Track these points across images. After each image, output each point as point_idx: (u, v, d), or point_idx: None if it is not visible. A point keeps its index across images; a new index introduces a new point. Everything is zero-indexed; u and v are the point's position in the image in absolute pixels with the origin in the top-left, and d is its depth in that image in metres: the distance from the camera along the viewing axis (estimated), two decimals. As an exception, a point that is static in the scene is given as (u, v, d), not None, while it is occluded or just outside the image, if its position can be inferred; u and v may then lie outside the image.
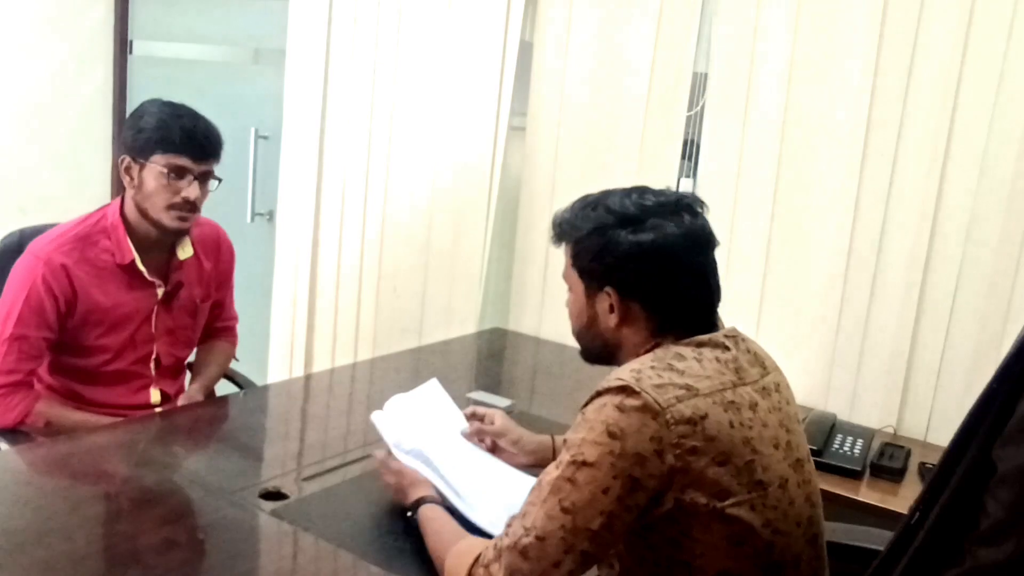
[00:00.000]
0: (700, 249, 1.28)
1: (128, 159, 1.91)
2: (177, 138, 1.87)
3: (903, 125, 2.19)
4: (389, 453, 1.56)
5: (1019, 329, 1.15)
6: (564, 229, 1.34)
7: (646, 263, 1.25)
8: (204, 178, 1.93)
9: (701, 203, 1.31)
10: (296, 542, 1.46)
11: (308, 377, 2.82)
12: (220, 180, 1.98)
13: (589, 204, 1.31)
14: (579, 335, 1.37)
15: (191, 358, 2.22)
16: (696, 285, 1.27)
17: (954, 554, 1.13)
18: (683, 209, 1.28)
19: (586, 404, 1.20)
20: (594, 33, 2.62)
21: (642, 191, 1.30)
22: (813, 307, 2.36)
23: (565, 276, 1.36)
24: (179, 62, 3.56)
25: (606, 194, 1.31)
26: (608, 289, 1.28)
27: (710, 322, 1.30)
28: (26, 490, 1.59)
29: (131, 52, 3.65)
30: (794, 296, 2.39)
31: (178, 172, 1.89)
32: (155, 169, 1.88)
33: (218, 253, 2.16)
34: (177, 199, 1.89)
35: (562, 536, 1.13)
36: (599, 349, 1.34)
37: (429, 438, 1.60)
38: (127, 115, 2.03)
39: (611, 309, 1.28)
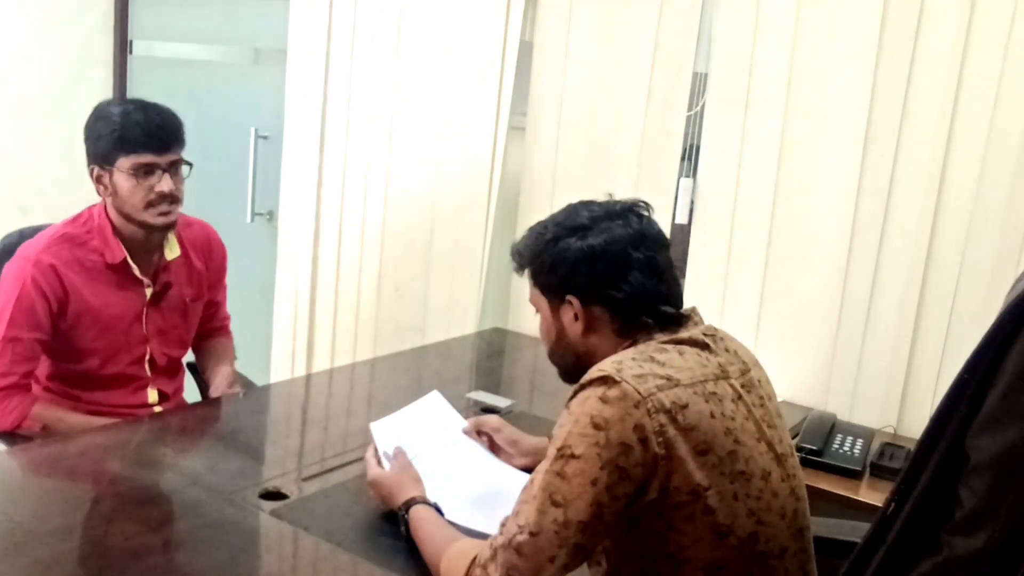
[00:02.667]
0: (650, 246, 1.31)
1: (96, 168, 1.90)
2: (135, 136, 1.86)
3: (903, 124, 2.19)
4: (375, 455, 1.56)
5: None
6: (522, 253, 1.39)
7: (599, 264, 1.29)
8: (174, 168, 1.91)
9: (648, 207, 1.36)
10: (296, 542, 1.46)
11: (308, 377, 2.82)
12: (191, 165, 1.96)
13: (539, 226, 1.38)
14: (552, 354, 1.41)
15: (188, 357, 2.22)
16: (651, 279, 1.30)
17: (930, 545, 1.14)
18: (629, 212, 1.33)
19: (571, 398, 1.22)
20: (594, 33, 2.62)
21: (588, 203, 1.37)
22: (813, 307, 2.35)
23: (531, 300, 1.40)
24: (179, 62, 3.56)
25: (554, 215, 1.38)
26: (569, 298, 1.31)
27: (675, 317, 1.32)
28: (25, 490, 1.60)
29: (131, 52, 3.65)
30: (794, 296, 2.39)
31: (146, 169, 1.87)
32: (123, 172, 1.87)
33: (210, 253, 2.15)
34: (153, 195, 1.88)
35: (555, 530, 1.15)
36: (573, 364, 1.36)
37: (424, 450, 1.60)
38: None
39: (575, 318, 1.32)
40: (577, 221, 1.32)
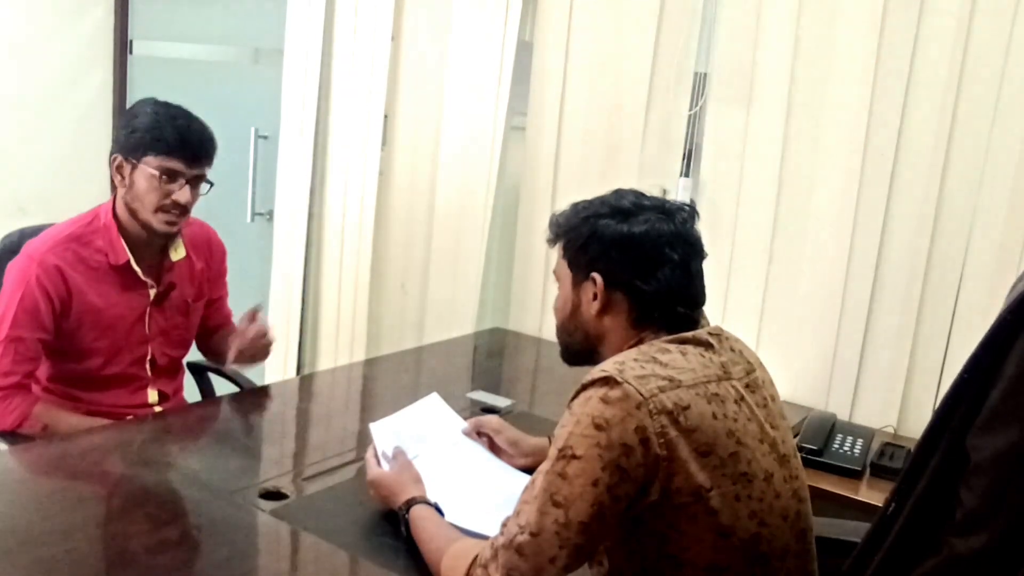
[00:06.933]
0: (688, 250, 1.30)
1: (120, 158, 1.89)
2: (171, 140, 1.85)
3: (904, 124, 2.19)
4: (375, 455, 1.56)
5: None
6: (559, 223, 1.37)
7: (632, 252, 1.28)
8: (196, 181, 1.91)
9: (695, 213, 1.35)
10: (296, 542, 1.46)
11: (307, 377, 2.82)
12: (212, 184, 1.96)
13: (583, 202, 1.36)
14: (562, 327, 1.39)
15: (189, 358, 2.22)
16: (680, 282, 1.29)
17: (931, 545, 1.14)
18: (676, 211, 1.32)
19: (572, 398, 1.21)
20: (594, 33, 2.62)
21: (639, 192, 1.35)
22: (814, 307, 2.35)
23: (555, 270, 1.40)
24: (179, 62, 3.56)
25: (601, 195, 1.36)
26: (594, 275, 1.31)
27: (692, 321, 1.31)
28: (26, 490, 1.59)
29: (131, 52, 3.65)
30: (795, 296, 2.39)
31: (170, 175, 1.87)
32: (147, 171, 1.86)
33: (209, 253, 2.15)
34: (167, 202, 1.88)
35: (556, 531, 1.14)
36: (581, 342, 1.35)
37: (424, 451, 1.60)
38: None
39: (595, 297, 1.31)
40: (622, 204, 1.32)
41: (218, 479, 1.60)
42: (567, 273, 1.36)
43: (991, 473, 1.09)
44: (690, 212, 1.34)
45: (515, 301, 2.89)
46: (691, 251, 1.31)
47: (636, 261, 1.28)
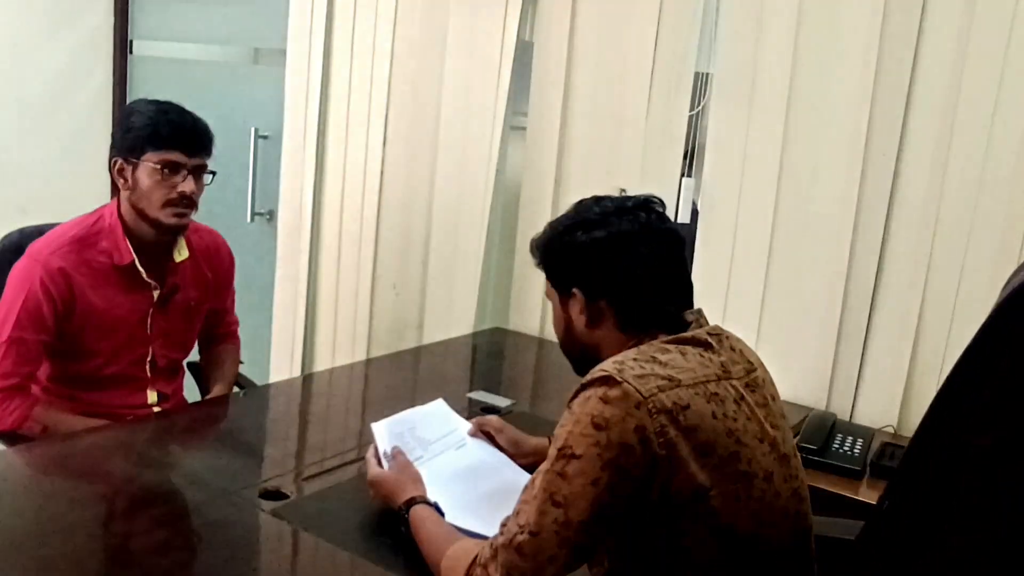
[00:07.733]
0: (659, 243, 1.31)
1: (120, 160, 1.90)
2: (167, 133, 1.87)
3: (906, 123, 2.19)
4: (376, 455, 1.56)
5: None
6: (538, 246, 1.39)
7: (603, 259, 1.30)
8: (198, 172, 1.92)
9: (660, 203, 1.35)
10: (296, 542, 1.46)
11: (308, 377, 2.82)
12: (214, 174, 1.97)
13: (556, 220, 1.38)
14: (562, 345, 1.41)
15: (189, 359, 2.22)
16: (657, 277, 1.30)
17: (925, 541, 1.13)
18: (640, 208, 1.32)
19: (572, 398, 1.22)
20: (595, 32, 2.62)
21: (600, 199, 1.36)
22: (815, 306, 2.35)
23: (546, 292, 1.41)
24: (179, 62, 3.56)
25: (568, 210, 1.38)
26: (575, 290, 1.32)
27: (679, 316, 1.32)
28: (26, 490, 1.59)
29: (131, 52, 3.65)
30: (796, 295, 2.39)
31: (172, 167, 1.88)
32: (148, 167, 1.87)
33: (218, 261, 2.15)
34: (173, 195, 1.89)
35: (555, 530, 1.14)
36: (581, 356, 1.36)
37: (426, 452, 1.60)
38: (121, 116, 2.04)
39: (581, 311, 1.32)
40: (586, 215, 1.33)
41: (218, 479, 1.60)
42: (554, 292, 1.38)
43: (986, 470, 1.09)
44: (657, 203, 1.34)
45: (515, 301, 2.89)
46: (663, 244, 1.31)
47: (608, 267, 1.29)
